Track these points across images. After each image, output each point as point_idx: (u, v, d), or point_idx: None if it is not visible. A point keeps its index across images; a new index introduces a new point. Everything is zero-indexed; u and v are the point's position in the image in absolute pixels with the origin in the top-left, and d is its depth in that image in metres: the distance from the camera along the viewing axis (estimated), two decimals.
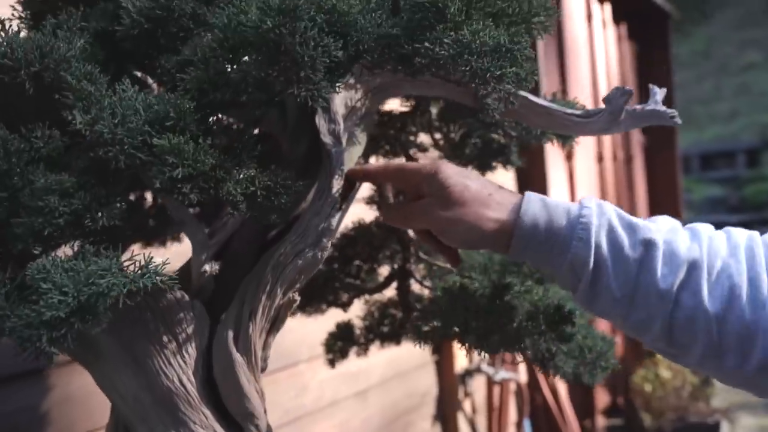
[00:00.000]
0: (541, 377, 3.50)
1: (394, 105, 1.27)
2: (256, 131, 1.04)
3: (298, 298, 0.92)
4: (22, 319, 0.63)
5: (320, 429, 2.28)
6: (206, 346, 0.90)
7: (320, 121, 0.90)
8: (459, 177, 0.89)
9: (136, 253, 1.11)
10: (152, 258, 0.70)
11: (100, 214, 0.72)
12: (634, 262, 0.85)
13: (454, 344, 1.26)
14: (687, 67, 16.22)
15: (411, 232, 1.22)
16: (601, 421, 4.54)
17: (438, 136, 1.29)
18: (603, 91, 4.86)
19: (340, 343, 1.38)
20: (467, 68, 0.76)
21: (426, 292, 1.23)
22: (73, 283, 0.64)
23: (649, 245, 0.84)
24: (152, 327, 0.86)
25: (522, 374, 3.44)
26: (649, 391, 4.49)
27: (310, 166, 0.94)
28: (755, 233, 0.87)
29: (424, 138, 1.30)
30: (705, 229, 0.88)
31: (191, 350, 0.88)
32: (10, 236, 0.72)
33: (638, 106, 0.92)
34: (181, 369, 0.87)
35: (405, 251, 1.22)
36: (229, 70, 0.75)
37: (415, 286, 1.25)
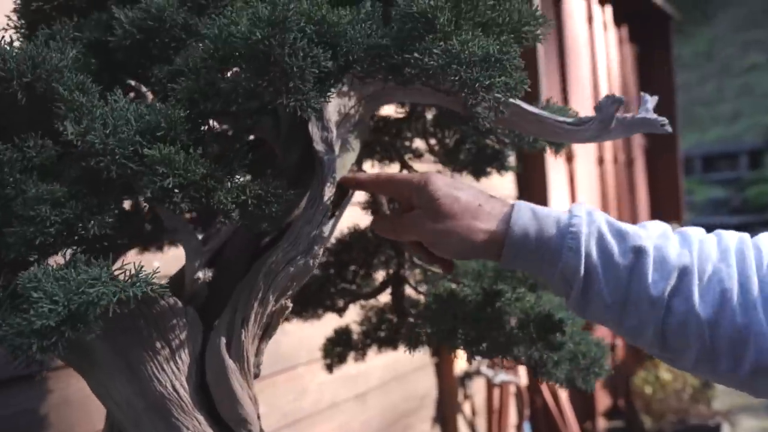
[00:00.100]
0: None
1: (390, 110, 1.27)
2: (251, 137, 1.06)
3: (290, 305, 0.92)
4: (14, 328, 0.64)
5: None
6: (199, 352, 0.90)
7: (313, 129, 0.91)
8: (448, 189, 0.89)
9: (134, 259, 1.13)
10: (143, 267, 0.71)
11: (91, 223, 0.72)
12: (624, 270, 0.85)
13: None
14: (689, 69, 16.21)
15: None
16: (601, 423, 4.55)
17: (433, 141, 1.29)
18: (604, 94, 4.86)
19: (339, 349, 1.39)
20: (456, 78, 0.76)
21: (422, 297, 1.24)
22: (63, 291, 0.64)
23: (639, 252, 0.85)
24: (145, 333, 0.87)
25: (522, 377, 3.44)
26: (649, 394, 4.49)
27: (303, 174, 0.95)
28: (746, 235, 0.88)
29: (419, 144, 1.31)
30: (695, 233, 0.88)
31: (184, 356, 0.89)
32: (2, 245, 0.72)
33: (628, 114, 0.92)
34: (174, 375, 0.87)
35: (399, 257, 1.22)
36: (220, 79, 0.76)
37: (411, 292, 1.25)
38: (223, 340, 0.89)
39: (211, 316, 0.92)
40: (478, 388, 3.24)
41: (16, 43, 0.80)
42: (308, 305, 1.33)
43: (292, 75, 0.72)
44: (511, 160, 1.32)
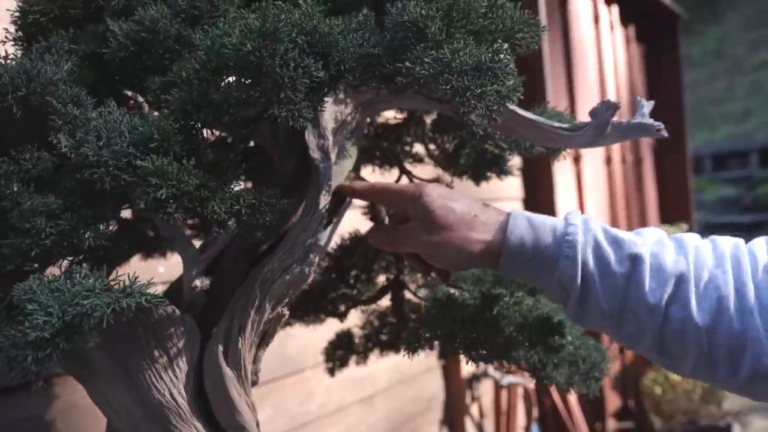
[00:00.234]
0: None
1: (389, 116, 1.28)
2: (252, 144, 1.06)
3: (286, 312, 0.93)
4: (9, 339, 0.65)
5: None
6: (197, 360, 0.91)
7: (309, 137, 0.92)
8: (443, 200, 0.90)
9: (138, 265, 1.13)
10: (137, 277, 0.72)
11: (87, 234, 0.73)
12: (621, 278, 0.85)
13: None
14: (699, 67, 16.14)
15: None
16: (611, 424, 4.53)
17: (432, 147, 1.30)
18: (611, 94, 4.86)
19: (341, 352, 1.39)
20: (448, 87, 0.76)
21: (422, 301, 1.24)
22: (58, 303, 0.65)
23: (635, 260, 0.85)
24: (144, 342, 0.87)
25: (530, 378, 3.43)
26: (659, 394, 4.47)
27: (299, 181, 0.96)
28: (740, 241, 0.88)
29: (419, 148, 1.31)
30: (691, 239, 0.89)
31: (182, 364, 0.89)
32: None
33: (624, 120, 0.92)
34: (172, 383, 0.88)
35: (399, 262, 1.23)
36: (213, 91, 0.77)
37: (413, 296, 1.26)
38: (221, 348, 0.89)
39: (209, 323, 0.93)
40: (485, 389, 3.24)
41: (17, 54, 0.81)
42: (310, 310, 1.33)
43: (284, 85, 0.73)
44: (515, 162, 1.32)
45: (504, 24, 0.85)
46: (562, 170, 3.92)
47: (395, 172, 1.30)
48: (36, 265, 0.76)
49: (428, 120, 1.28)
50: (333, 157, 0.92)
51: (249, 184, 1.08)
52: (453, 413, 3.01)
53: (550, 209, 3.69)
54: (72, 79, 0.79)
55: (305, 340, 2.10)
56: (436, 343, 1.09)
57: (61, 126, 0.73)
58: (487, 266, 0.91)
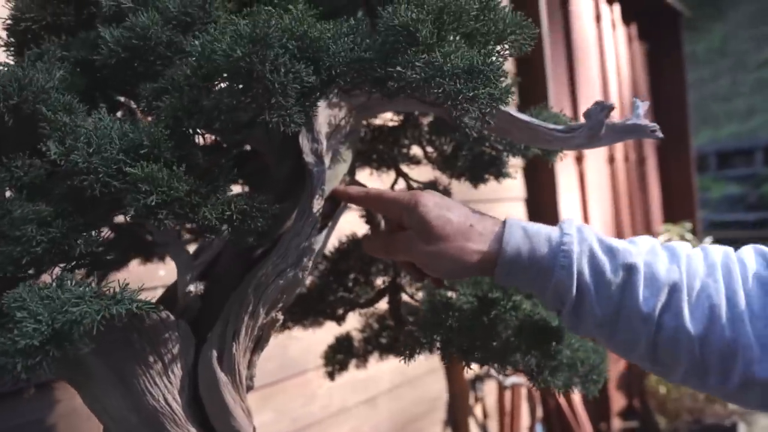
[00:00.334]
0: None
1: (386, 118, 1.27)
2: (249, 148, 1.06)
3: (281, 317, 0.93)
4: None
5: None
6: (192, 365, 0.91)
7: (303, 141, 0.91)
8: (439, 210, 0.90)
9: (137, 269, 1.13)
10: (128, 284, 0.72)
11: (78, 241, 0.73)
12: (616, 287, 0.87)
13: None
14: (703, 65, 16.09)
15: None
16: (617, 423, 4.52)
17: (430, 149, 1.29)
18: (614, 93, 4.85)
19: (340, 356, 1.39)
20: (440, 90, 0.76)
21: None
22: (48, 311, 0.65)
23: (630, 269, 0.86)
24: (138, 347, 0.87)
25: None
26: (664, 393, 4.47)
27: (294, 186, 0.95)
28: (730, 250, 0.90)
29: (416, 151, 1.31)
30: (682, 248, 0.90)
31: (177, 370, 0.89)
32: None
33: (618, 121, 0.92)
34: (166, 389, 0.88)
35: (395, 265, 1.23)
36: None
37: (409, 299, 1.26)
38: (215, 353, 0.89)
39: (204, 328, 0.93)
40: (489, 390, 3.24)
41: (9, 61, 0.81)
42: (309, 314, 1.33)
43: (274, 91, 0.72)
44: (517, 162, 1.31)
45: (496, 26, 0.84)
46: (565, 170, 3.91)
47: (393, 175, 1.30)
48: (31, 271, 0.76)
49: (425, 122, 1.28)
50: (327, 161, 0.92)
51: (246, 188, 1.08)
52: (456, 414, 3.01)
53: (552, 209, 3.69)
54: (64, 87, 0.79)
55: (307, 342, 2.10)
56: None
57: (50, 133, 0.73)
58: (482, 275, 0.92)
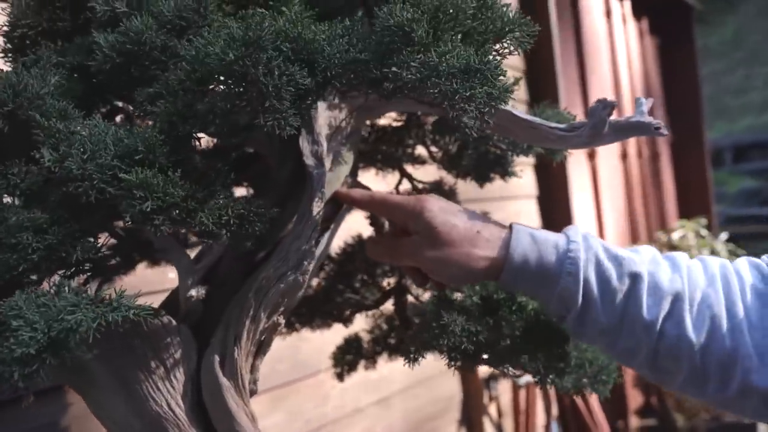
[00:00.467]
0: None
1: (392, 116, 1.27)
2: (251, 151, 1.06)
3: (282, 321, 0.92)
4: None
5: None
6: (195, 370, 0.90)
7: (303, 143, 0.91)
8: (445, 215, 0.90)
9: (145, 272, 1.13)
10: (125, 290, 0.71)
11: (76, 248, 0.73)
12: (621, 295, 0.88)
13: None
14: (717, 58, 15.97)
15: None
16: (634, 421, 4.50)
17: (434, 149, 1.28)
18: (625, 89, 4.82)
19: (349, 357, 1.38)
20: (436, 90, 0.76)
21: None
22: (44, 319, 0.65)
23: (635, 278, 0.87)
24: (140, 353, 0.87)
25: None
26: None
27: (295, 188, 0.95)
28: (726, 261, 0.92)
29: (421, 151, 1.30)
30: (682, 258, 0.91)
31: (179, 375, 0.89)
32: None
33: (622, 118, 0.91)
34: (169, 394, 0.88)
35: (400, 268, 1.22)
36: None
37: (415, 300, 1.25)
38: (217, 358, 0.89)
39: (207, 332, 0.92)
40: (503, 389, 3.23)
41: (5, 67, 0.81)
42: (316, 315, 1.33)
43: (268, 94, 0.72)
44: (528, 160, 1.31)
45: (494, 24, 0.83)
46: (577, 167, 3.89)
47: (397, 175, 1.29)
48: (34, 277, 0.77)
49: (429, 122, 1.27)
50: (328, 163, 0.92)
51: (251, 191, 1.08)
52: (471, 413, 3.00)
53: (565, 206, 3.67)
54: (60, 93, 0.79)
55: (319, 343, 2.08)
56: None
57: (45, 140, 0.73)
58: (488, 280, 0.92)
